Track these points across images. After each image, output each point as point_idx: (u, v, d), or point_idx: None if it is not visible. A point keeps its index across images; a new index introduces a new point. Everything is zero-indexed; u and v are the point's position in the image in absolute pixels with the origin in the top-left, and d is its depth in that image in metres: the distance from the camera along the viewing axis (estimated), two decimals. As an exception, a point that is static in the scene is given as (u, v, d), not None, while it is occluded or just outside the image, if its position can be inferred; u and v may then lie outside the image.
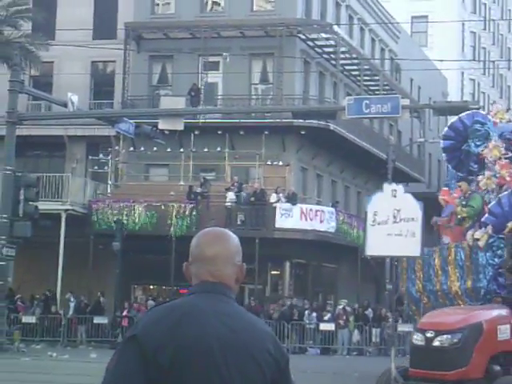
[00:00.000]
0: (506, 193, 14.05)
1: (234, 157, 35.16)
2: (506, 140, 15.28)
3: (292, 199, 32.94)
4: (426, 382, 11.31)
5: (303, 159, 37.47)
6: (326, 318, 31.01)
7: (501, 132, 15.48)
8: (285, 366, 3.11)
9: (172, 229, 32.32)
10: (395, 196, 14.25)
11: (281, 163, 35.18)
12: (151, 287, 36.28)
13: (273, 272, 35.52)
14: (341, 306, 31.47)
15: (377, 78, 42.34)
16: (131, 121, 28.76)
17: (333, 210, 35.14)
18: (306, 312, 31.35)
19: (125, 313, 31.29)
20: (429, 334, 11.38)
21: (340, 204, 38.31)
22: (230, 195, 33.02)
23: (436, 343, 11.27)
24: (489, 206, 14.13)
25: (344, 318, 30.77)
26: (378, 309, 31.84)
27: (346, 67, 40.68)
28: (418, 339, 11.74)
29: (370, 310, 32.00)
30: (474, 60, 56.85)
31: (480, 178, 15.09)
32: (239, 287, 3.31)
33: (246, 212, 33.16)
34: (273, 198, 33.19)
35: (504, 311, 11.81)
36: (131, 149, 35.56)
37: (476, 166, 15.27)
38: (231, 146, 35.79)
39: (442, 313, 13.08)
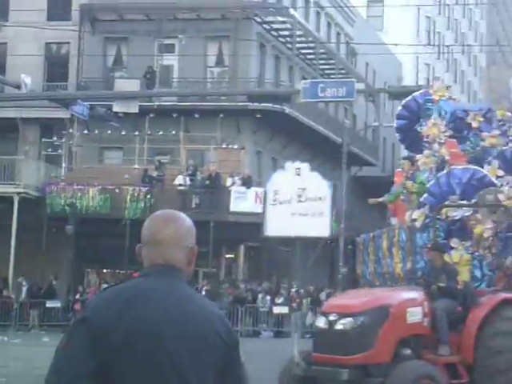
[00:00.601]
0: (443, 172, 13.56)
1: (189, 140, 35.06)
2: (459, 119, 14.82)
3: (247, 183, 32.95)
4: (328, 366, 10.89)
5: (258, 142, 37.48)
6: (279, 301, 31.15)
7: (454, 110, 15.05)
8: (235, 349, 3.12)
9: (126, 212, 32.15)
10: (299, 174, 13.94)
11: (236, 146, 35.13)
12: (105, 271, 36.09)
13: (227, 255, 35.56)
14: (294, 289, 31.64)
15: (332, 61, 42.44)
16: (85, 103, 28.50)
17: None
18: (260, 295, 31.47)
19: (77, 296, 31.11)
20: (332, 318, 11.01)
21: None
22: (179, 179, 32.86)
23: (338, 326, 10.89)
24: (427, 185, 13.70)
25: (297, 300, 30.94)
26: (332, 292, 32.06)
27: (302, 51, 40.71)
28: (321, 322, 11.35)
29: (323, 292, 32.21)
30: (428, 45, 57.21)
31: (418, 156, 14.66)
32: (194, 270, 3.32)
33: (201, 195, 33.11)
34: (228, 181, 33.17)
35: (416, 293, 11.39)
36: (85, 131, 35.24)
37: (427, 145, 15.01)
38: (186, 129, 35.66)
39: (347, 295, 12.82)
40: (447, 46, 59.50)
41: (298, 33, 38.38)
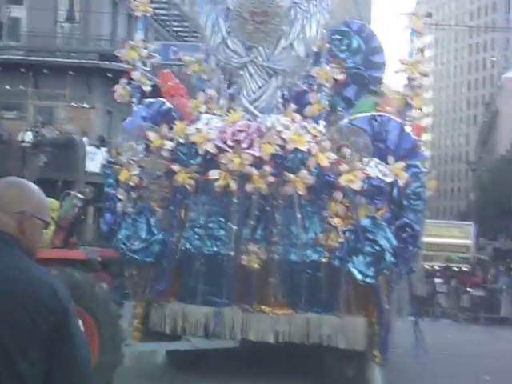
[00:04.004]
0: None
1: (38, 96, 33.98)
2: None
3: (99, 142, 32.35)
4: None
5: (110, 102, 36.76)
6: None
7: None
8: (64, 316, 3.00)
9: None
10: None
11: (86, 105, 34.37)
12: None
13: (76, 216, 34.81)
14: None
15: (186, 24, 42.18)
16: None
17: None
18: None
19: None
20: None
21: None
22: (28, 135, 31.78)
23: None
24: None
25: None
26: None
27: (156, 11, 40.13)
28: None
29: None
30: None
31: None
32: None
33: (49, 154, 32.20)
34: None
35: None
36: None
37: None
38: (35, 84, 34.52)
39: None
40: None
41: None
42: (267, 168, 8.98)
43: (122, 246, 9.42)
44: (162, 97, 11.62)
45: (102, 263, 9.79)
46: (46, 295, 2.97)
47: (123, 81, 11.32)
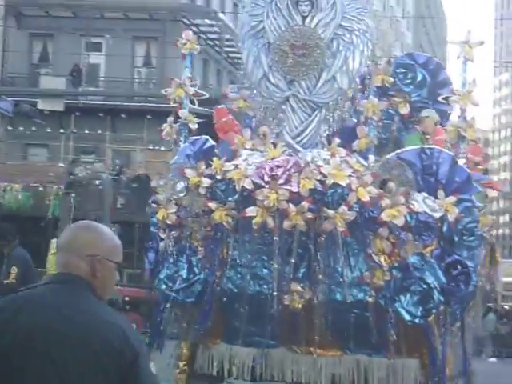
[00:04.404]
0: None
1: (115, 140, 34.83)
2: None
3: (173, 184, 32.80)
4: None
5: (185, 144, 37.40)
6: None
7: None
8: (134, 360, 3.06)
9: (50, 210, 31.71)
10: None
11: (163, 148, 34.99)
12: (27, 270, 35.48)
13: (152, 257, 35.28)
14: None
15: (260, 66, 42.66)
16: (10, 99, 28.07)
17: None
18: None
19: (-1, 295, 30.53)
20: None
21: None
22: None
23: None
24: None
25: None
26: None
27: (230, 54, 40.83)
28: None
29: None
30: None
31: None
32: (119, 272, 3.36)
33: (127, 196, 32.86)
34: (153, 182, 32.85)
35: None
36: (9, 127, 34.66)
37: None
38: (113, 128, 35.40)
39: None
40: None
41: (227, 36, 38.48)
42: (305, 204, 8.58)
43: (164, 286, 9.44)
44: (215, 134, 11.70)
45: (132, 303, 9.80)
46: (116, 338, 3.03)
47: (170, 119, 11.42)
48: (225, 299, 8.92)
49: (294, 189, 8.61)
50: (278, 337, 9.03)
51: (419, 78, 11.51)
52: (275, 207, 8.59)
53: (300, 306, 8.72)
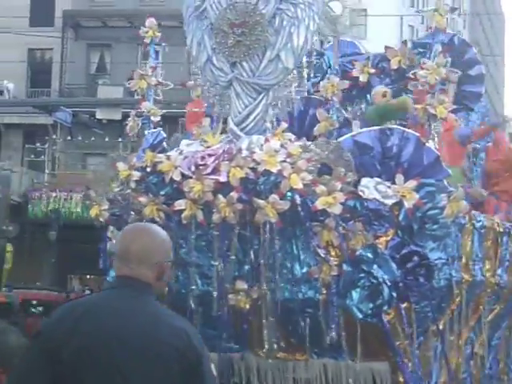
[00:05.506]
0: None
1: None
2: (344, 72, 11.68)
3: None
4: None
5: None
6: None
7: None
8: (197, 362, 3.11)
9: (109, 219, 32.06)
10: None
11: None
12: (88, 277, 35.95)
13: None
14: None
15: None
16: (68, 110, 28.48)
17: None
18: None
19: (61, 303, 30.97)
20: None
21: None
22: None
23: None
24: None
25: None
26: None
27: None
28: None
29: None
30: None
31: None
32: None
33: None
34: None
35: None
36: (68, 138, 35.18)
37: None
38: (170, 136, 35.60)
39: None
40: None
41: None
42: (234, 194, 7.66)
43: None
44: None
45: (43, 306, 8.80)
46: (180, 342, 3.08)
47: (133, 113, 10.79)
48: (174, 300, 7.81)
49: (223, 178, 7.75)
50: (240, 340, 8.30)
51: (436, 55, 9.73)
52: (202, 199, 7.77)
53: (247, 306, 7.97)
